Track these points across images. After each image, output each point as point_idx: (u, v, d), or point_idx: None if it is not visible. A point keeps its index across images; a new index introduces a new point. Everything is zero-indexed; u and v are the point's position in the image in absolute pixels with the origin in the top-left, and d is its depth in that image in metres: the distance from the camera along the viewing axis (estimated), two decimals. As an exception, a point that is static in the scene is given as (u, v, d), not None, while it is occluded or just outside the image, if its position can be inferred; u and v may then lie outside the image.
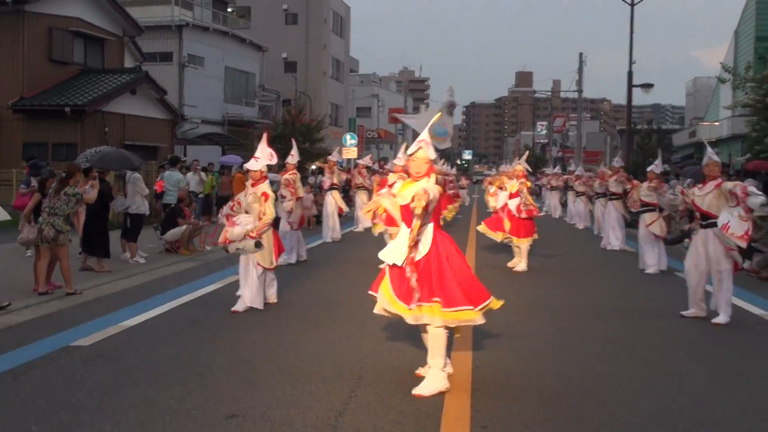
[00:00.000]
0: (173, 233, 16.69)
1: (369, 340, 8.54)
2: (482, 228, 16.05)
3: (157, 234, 17.40)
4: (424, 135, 6.80)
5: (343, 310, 10.45)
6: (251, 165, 10.58)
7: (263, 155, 10.50)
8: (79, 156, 18.54)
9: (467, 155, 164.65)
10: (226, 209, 10.69)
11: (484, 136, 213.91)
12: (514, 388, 6.82)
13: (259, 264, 10.39)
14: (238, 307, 10.26)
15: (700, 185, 10.50)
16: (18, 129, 29.60)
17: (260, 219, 10.27)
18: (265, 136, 10.96)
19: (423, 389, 6.51)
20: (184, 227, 16.77)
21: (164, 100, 33.85)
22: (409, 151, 6.76)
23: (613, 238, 19.48)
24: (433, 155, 6.79)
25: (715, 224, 9.88)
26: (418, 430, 5.70)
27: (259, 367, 7.40)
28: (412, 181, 6.74)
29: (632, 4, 33.56)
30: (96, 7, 31.76)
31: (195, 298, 11.37)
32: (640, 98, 41.84)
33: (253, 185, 10.50)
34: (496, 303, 6.65)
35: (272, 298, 10.83)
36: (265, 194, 10.33)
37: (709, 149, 10.58)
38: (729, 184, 10.01)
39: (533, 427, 5.82)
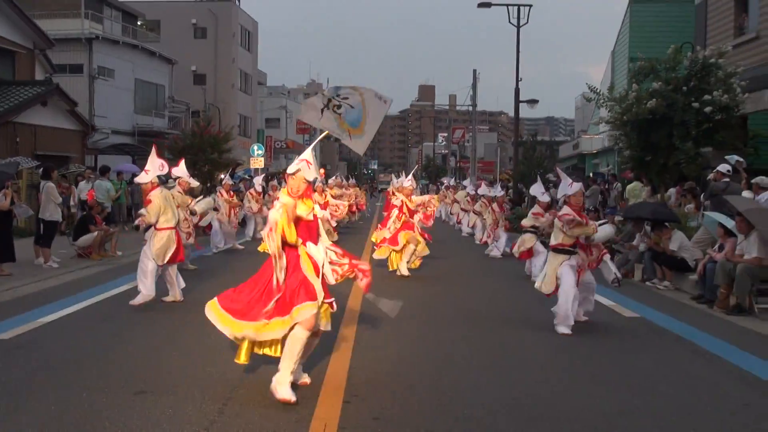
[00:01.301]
0: (85, 239, 17.38)
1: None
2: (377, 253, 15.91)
3: (69, 240, 18.06)
4: (307, 154, 6.78)
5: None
6: (141, 178, 11.69)
7: (153, 167, 11.45)
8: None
9: (373, 165, 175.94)
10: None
11: (389, 147, 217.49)
12: (386, 383, 7.68)
13: (153, 259, 11.42)
14: (137, 300, 11.28)
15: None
16: (-73, 140, 29.47)
17: None
18: (154, 147, 11.97)
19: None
20: (95, 233, 17.49)
21: (75, 112, 34.13)
22: (290, 170, 6.77)
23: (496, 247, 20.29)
24: (311, 177, 6.74)
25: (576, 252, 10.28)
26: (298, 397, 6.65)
27: (165, 354, 8.35)
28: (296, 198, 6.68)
29: (518, 26, 36.10)
30: (6, 21, 31.78)
31: (107, 297, 12.17)
32: (534, 112, 43.96)
33: (145, 193, 11.64)
34: None
35: (178, 296, 11.77)
36: (147, 200, 11.42)
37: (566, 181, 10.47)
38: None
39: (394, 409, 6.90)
